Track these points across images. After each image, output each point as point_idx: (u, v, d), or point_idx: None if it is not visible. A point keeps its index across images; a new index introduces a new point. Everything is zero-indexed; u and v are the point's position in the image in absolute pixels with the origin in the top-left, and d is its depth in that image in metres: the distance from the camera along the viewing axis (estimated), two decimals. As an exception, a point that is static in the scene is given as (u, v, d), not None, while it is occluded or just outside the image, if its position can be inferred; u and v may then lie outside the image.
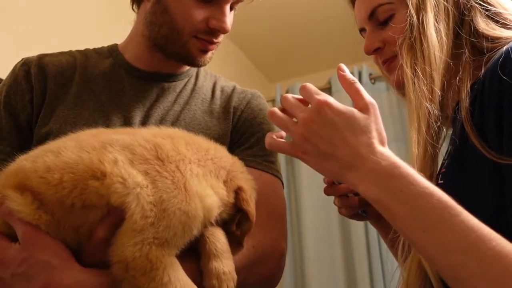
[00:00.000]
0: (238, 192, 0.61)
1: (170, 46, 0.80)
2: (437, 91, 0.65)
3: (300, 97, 0.58)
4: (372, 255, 2.34)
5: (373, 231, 2.34)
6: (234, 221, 0.63)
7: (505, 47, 0.59)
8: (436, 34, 0.67)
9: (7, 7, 1.36)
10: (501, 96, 0.55)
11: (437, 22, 0.68)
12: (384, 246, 2.29)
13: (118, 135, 0.57)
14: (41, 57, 0.83)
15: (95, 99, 0.80)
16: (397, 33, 0.71)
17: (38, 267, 0.50)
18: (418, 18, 0.69)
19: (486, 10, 0.68)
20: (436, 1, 0.70)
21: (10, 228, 0.54)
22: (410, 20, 0.69)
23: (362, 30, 0.83)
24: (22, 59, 0.83)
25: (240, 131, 0.85)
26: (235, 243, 0.62)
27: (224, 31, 0.79)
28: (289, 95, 0.57)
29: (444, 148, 0.72)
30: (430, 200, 0.48)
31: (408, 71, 0.67)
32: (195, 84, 0.89)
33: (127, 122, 0.78)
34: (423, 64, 0.66)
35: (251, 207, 0.61)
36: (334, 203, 0.87)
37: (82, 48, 0.91)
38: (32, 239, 0.52)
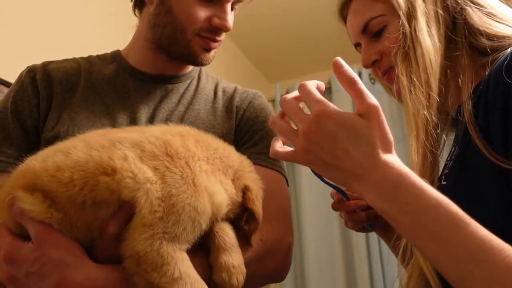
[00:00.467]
0: (245, 191, 0.62)
1: (174, 46, 0.82)
2: (435, 97, 0.65)
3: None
4: (372, 255, 2.35)
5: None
6: (242, 218, 0.63)
7: (510, 49, 0.59)
8: (429, 39, 0.68)
9: (11, 15, 1.37)
10: (507, 98, 0.55)
11: (429, 28, 0.69)
12: (384, 246, 2.30)
13: (127, 133, 0.58)
14: (46, 64, 0.85)
15: (100, 101, 0.82)
16: (392, 43, 0.72)
17: (52, 265, 0.51)
18: (410, 26, 0.69)
19: (480, 10, 0.68)
20: (426, 7, 0.70)
21: (22, 228, 0.55)
22: (402, 29, 0.70)
23: (357, 45, 0.84)
24: (28, 66, 0.85)
25: (243, 130, 0.86)
26: (243, 240, 0.63)
27: (226, 29, 0.82)
28: (289, 97, 0.55)
29: (447, 150, 0.73)
30: (437, 211, 0.46)
31: (404, 79, 0.67)
32: (197, 85, 0.92)
33: (133, 123, 0.80)
34: (419, 71, 0.66)
35: (257, 207, 0.62)
36: (340, 216, 0.88)
37: (85, 55, 0.93)
38: (44, 238, 0.52)
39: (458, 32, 0.69)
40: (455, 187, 0.62)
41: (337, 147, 0.50)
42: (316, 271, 2.43)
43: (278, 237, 0.73)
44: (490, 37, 0.65)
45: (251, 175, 0.64)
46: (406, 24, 0.69)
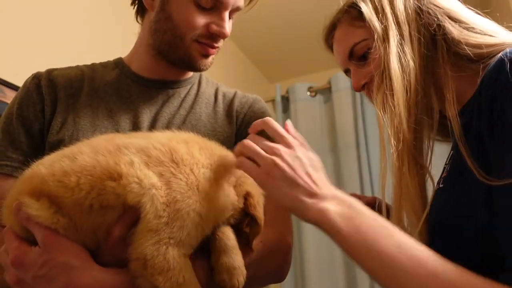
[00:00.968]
0: (246, 197, 0.63)
1: (173, 52, 0.84)
2: (403, 118, 0.67)
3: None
4: (372, 255, 2.35)
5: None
6: (244, 222, 0.64)
7: (498, 55, 0.60)
8: (399, 62, 0.69)
9: (13, 18, 1.38)
10: (495, 100, 0.56)
11: (402, 49, 0.70)
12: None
13: (132, 139, 0.59)
14: (50, 71, 0.87)
15: (104, 106, 0.84)
16: (376, 66, 0.73)
17: (59, 269, 0.52)
18: (384, 49, 0.71)
19: (458, 24, 0.69)
20: (400, 28, 0.71)
21: (28, 233, 0.55)
22: (379, 53, 0.72)
23: (346, 71, 0.86)
24: (32, 74, 0.87)
25: (244, 134, 0.88)
26: (244, 245, 0.64)
27: (224, 35, 0.83)
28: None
29: (446, 151, 0.74)
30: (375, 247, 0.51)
31: (378, 100, 0.70)
32: (198, 89, 0.94)
33: (135, 127, 0.82)
34: (392, 92, 0.68)
35: (259, 213, 0.63)
36: None
37: (87, 60, 0.95)
38: (51, 242, 0.53)
39: (439, 47, 0.69)
40: (451, 190, 0.64)
41: (303, 168, 0.57)
42: (316, 271, 2.43)
43: (278, 238, 0.74)
44: (474, 46, 0.66)
45: (252, 181, 0.65)
46: (381, 47, 0.71)
